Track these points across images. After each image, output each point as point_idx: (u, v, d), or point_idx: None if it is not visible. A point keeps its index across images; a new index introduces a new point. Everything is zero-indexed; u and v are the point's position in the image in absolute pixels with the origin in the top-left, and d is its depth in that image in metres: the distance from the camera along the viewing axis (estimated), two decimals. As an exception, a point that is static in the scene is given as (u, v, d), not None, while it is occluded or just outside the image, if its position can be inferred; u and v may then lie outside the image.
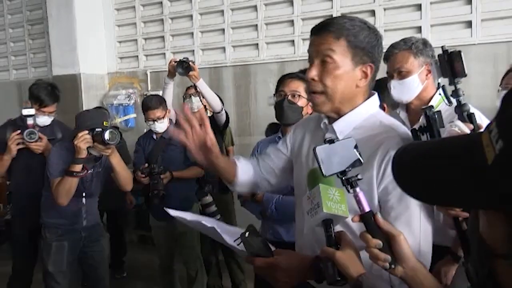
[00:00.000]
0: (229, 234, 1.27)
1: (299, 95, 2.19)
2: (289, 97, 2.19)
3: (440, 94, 1.61)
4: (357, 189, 1.02)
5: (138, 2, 5.61)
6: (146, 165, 3.22)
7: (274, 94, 2.34)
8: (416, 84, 2.03)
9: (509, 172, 0.47)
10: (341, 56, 1.24)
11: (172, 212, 1.44)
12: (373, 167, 1.20)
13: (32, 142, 2.99)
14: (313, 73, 1.26)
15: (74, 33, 5.50)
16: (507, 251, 0.52)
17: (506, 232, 0.52)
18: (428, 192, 0.58)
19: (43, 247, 2.82)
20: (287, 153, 1.56)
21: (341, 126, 1.31)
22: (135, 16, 5.64)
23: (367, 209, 1.02)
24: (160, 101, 3.27)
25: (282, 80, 2.30)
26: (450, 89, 1.66)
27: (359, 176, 1.03)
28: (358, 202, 1.02)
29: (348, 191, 1.03)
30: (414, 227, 1.18)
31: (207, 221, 1.34)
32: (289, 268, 1.18)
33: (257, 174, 1.58)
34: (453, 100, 1.63)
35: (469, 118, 1.56)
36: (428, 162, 0.58)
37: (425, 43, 2.08)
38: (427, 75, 2.04)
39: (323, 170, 1.02)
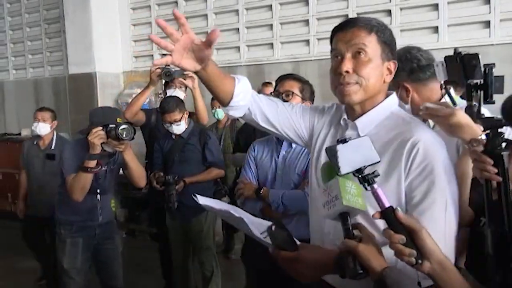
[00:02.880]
0: (256, 226, 1.27)
1: (293, 93, 2.29)
2: (283, 96, 2.27)
3: (444, 97, 1.61)
4: (375, 186, 1.02)
5: (153, 2, 5.64)
6: (162, 174, 3.22)
7: (271, 93, 2.41)
8: None
9: None
10: (372, 50, 1.26)
11: (201, 200, 1.41)
12: (401, 162, 1.20)
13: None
14: (348, 65, 1.26)
15: (90, 32, 5.56)
16: None
17: None
18: None
19: (58, 243, 2.83)
20: (303, 123, 1.48)
21: (364, 123, 1.31)
22: (150, 15, 5.68)
23: (386, 204, 1.01)
24: (177, 104, 3.23)
25: (279, 81, 2.41)
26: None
27: (376, 173, 1.03)
28: (377, 198, 1.01)
29: (366, 189, 1.03)
30: (439, 224, 1.17)
31: (236, 211, 1.32)
32: (313, 262, 1.18)
33: (255, 103, 1.44)
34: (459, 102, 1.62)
35: None
36: None
37: None
38: None
39: (338, 169, 1.02)
